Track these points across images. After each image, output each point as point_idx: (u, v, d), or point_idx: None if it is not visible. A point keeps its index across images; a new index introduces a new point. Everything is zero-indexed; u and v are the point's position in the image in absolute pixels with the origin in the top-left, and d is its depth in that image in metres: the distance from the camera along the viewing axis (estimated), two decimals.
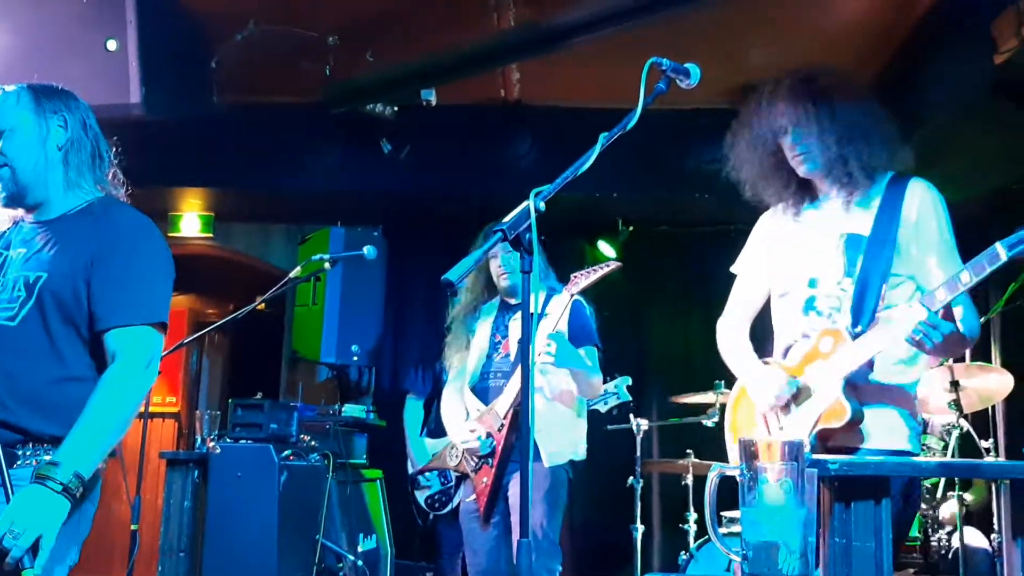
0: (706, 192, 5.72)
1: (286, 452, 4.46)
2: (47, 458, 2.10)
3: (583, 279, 3.31)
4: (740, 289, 2.96)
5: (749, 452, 1.51)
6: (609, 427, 5.22)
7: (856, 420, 2.49)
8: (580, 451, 3.61)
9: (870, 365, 2.54)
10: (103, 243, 2.26)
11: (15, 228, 2.39)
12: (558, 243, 6.20)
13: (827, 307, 2.64)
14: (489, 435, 3.43)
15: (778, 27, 4.60)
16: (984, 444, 4.59)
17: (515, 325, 3.56)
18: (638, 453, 5.11)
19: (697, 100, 5.18)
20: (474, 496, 3.50)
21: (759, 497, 1.50)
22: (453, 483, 4.93)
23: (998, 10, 3.91)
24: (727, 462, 2.78)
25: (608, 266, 3.33)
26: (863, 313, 2.54)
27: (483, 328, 3.71)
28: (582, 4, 4.20)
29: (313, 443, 4.78)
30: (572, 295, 3.30)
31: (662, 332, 6.55)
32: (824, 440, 2.56)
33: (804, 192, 2.76)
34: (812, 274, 2.68)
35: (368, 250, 4.13)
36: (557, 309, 3.32)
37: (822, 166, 2.66)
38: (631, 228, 6.41)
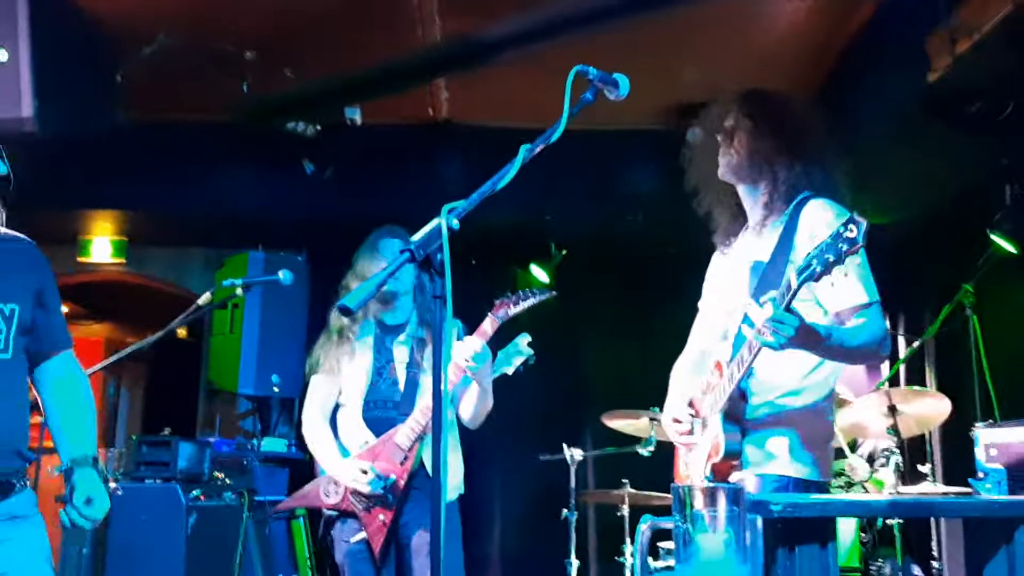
0: (640, 214, 5.61)
1: (195, 492, 4.20)
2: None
3: (511, 307, 3.05)
4: (695, 329, 2.87)
5: (683, 501, 1.32)
6: (542, 457, 5.09)
7: (731, 454, 2.40)
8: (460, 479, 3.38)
9: (744, 396, 2.43)
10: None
11: None
12: (488, 267, 6.05)
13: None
14: (381, 475, 3.15)
15: (711, 46, 4.52)
16: (922, 469, 4.53)
17: (399, 349, 3.30)
18: (572, 484, 4.94)
19: (631, 121, 5.09)
20: (362, 535, 3.21)
21: (697, 552, 1.31)
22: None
23: (931, 27, 3.85)
24: (663, 493, 2.65)
25: (536, 295, 3.06)
26: (740, 340, 2.40)
27: (362, 350, 3.37)
28: (510, 18, 4.05)
29: (228, 481, 4.52)
30: (496, 322, 3.04)
31: (596, 358, 6.41)
32: (720, 476, 2.46)
33: (741, 221, 2.67)
34: (733, 305, 2.57)
35: (283, 275, 3.85)
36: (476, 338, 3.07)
37: (745, 179, 2.57)
38: (564, 252, 6.26)
